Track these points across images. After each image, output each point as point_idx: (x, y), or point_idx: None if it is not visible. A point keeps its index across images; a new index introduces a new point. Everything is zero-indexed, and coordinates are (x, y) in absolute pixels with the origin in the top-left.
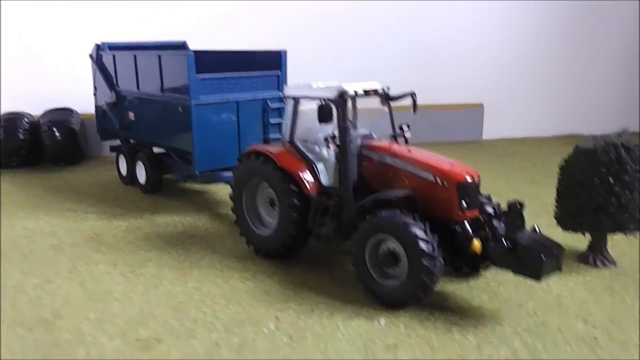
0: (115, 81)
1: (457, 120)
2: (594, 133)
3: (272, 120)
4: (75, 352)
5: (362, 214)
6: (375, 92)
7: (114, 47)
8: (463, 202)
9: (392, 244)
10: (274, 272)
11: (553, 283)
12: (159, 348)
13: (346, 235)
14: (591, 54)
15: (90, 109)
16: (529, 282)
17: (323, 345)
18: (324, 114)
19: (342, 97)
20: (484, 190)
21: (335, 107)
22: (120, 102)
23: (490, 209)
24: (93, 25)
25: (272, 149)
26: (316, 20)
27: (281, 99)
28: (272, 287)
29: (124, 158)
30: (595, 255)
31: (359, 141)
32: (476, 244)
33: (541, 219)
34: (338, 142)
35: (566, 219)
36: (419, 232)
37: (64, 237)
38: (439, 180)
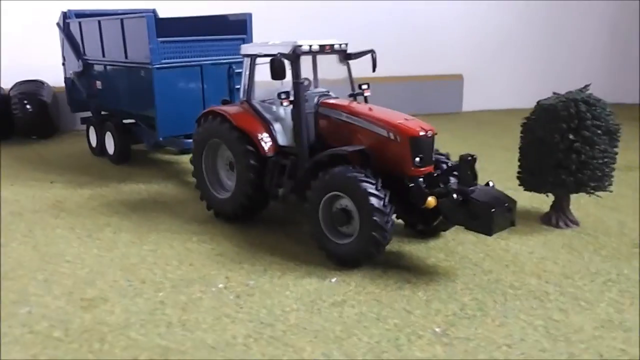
0: (82, 50)
1: (437, 92)
2: None
3: (238, 85)
4: (17, 311)
5: (316, 170)
6: (332, 47)
7: (80, 14)
8: (416, 158)
9: (345, 201)
10: (232, 235)
11: (512, 243)
12: (102, 307)
13: (302, 194)
14: (572, 23)
15: (62, 81)
16: (488, 242)
17: (269, 302)
18: (275, 70)
19: (295, 52)
20: (456, 156)
21: (290, 62)
22: (87, 71)
23: (445, 166)
24: None
25: (229, 109)
26: None
27: None
28: (228, 248)
29: (94, 129)
30: (558, 216)
31: (315, 99)
32: (430, 200)
33: (510, 182)
34: (292, 99)
35: (527, 178)
36: (370, 188)
37: (26, 204)
38: (392, 135)
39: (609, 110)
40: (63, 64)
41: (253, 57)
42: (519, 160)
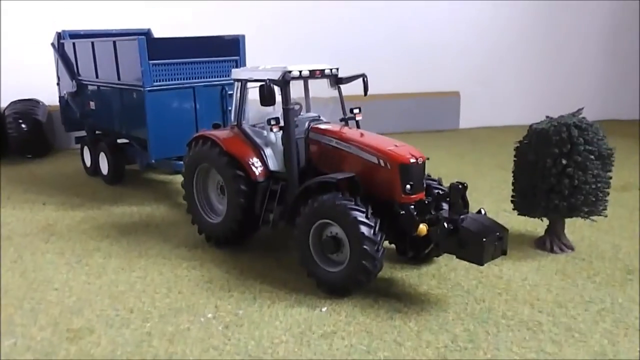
0: (76, 70)
1: (434, 109)
2: None
3: (231, 107)
4: (2, 343)
5: (305, 197)
6: (322, 72)
7: (74, 35)
8: (407, 185)
9: (335, 229)
10: (222, 261)
11: (505, 269)
12: (88, 338)
13: (292, 220)
14: (569, 42)
15: (57, 101)
16: (481, 268)
17: (258, 334)
18: (264, 96)
19: (284, 78)
20: (451, 176)
21: (279, 88)
22: (81, 91)
23: (437, 192)
24: (59, 13)
25: (219, 133)
26: (293, 10)
27: None
28: (218, 275)
29: (88, 149)
30: (552, 240)
31: (306, 124)
32: (421, 227)
33: (505, 203)
34: (282, 124)
35: (521, 202)
36: (360, 216)
37: (16, 227)
38: (382, 162)
39: (602, 135)
40: (58, 84)
41: (244, 82)
42: (513, 184)
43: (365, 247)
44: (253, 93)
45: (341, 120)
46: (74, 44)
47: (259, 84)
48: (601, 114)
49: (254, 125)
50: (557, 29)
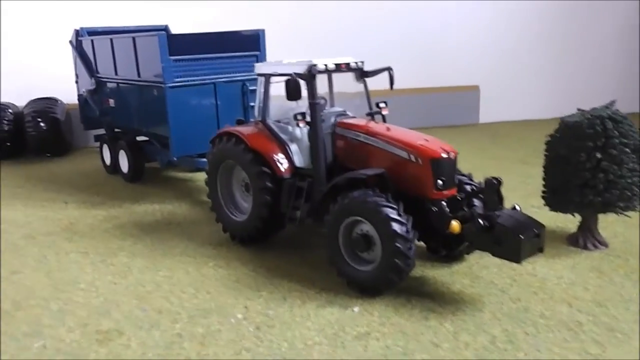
0: (95, 67)
1: (454, 103)
2: None
3: (252, 103)
4: (31, 345)
5: (334, 194)
6: (348, 66)
7: (92, 32)
8: (439, 180)
9: (366, 227)
10: (249, 259)
11: (539, 267)
12: (118, 340)
13: (319, 217)
14: (588, 35)
15: (76, 99)
16: (514, 266)
17: (290, 335)
18: (291, 90)
19: (310, 72)
20: (473, 171)
21: (305, 82)
22: (100, 89)
23: (469, 188)
24: (77, 12)
25: (244, 129)
26: (312, 7)
27: None
28: (245, 274)
29: (107, 147)
30: (586, 237)
31: (332, 119)
32: (454, 224)
33: (531, 199)
34: (308, 120)
35: (553, 198)
36: (392, 213)
37: (38, 227)
38: (412, 156)
39: (637, 128)
40: (76, 82)
41: (267, 77)
42: (543, 179)
43: (397, 245)
44: (275, 88)
45: (367, 114)
46: (92, 41)
47: (282, 78)
48: (624, 107)
49: (278, 121)
50: (577, 24)
